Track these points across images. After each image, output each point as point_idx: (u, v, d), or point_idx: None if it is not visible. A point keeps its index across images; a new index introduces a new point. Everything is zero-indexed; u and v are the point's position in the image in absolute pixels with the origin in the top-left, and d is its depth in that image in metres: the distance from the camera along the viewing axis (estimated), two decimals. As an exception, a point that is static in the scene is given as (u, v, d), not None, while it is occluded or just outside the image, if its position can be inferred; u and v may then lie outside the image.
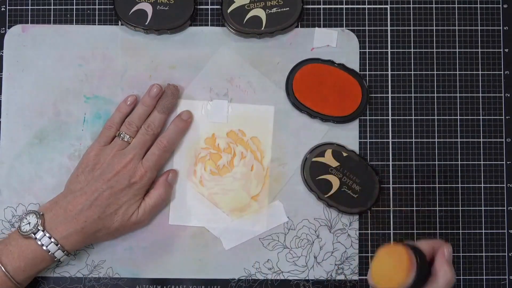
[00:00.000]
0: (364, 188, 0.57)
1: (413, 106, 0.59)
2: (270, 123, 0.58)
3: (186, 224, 0.58)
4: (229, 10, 0.58)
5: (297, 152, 0.58)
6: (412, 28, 0.60)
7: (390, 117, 0.59)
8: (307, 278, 0.58)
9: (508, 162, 0.59)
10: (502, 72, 0.60)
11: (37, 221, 0.51)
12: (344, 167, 0.57)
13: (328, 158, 0.57)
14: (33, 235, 0.51)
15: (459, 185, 0.59)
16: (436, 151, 0.59)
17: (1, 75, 0.59)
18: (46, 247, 0.51)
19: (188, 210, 0.58)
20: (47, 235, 0.51)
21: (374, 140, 0.59)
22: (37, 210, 0.53)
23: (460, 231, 0.59)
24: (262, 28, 0.58)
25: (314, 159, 0.57)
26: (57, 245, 0.51)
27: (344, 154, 0.57)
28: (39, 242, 0.51)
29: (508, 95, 0.60)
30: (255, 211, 0.58)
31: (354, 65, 0.59)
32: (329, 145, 0.57)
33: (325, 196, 0.57)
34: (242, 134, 0.58)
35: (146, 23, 0.58)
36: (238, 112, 0.58)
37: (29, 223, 0.51)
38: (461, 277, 0.58)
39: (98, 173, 0.53)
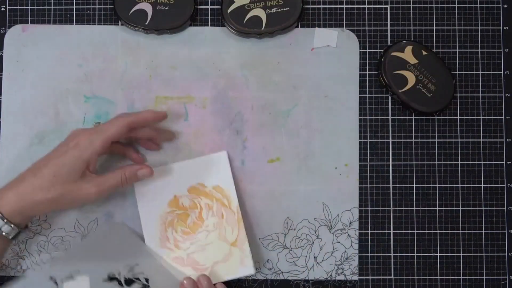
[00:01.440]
0: (439, 89, 0.57)
1: (413, 106, 0.59)
2: (227, 168, 0.57)
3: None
4: (229, 10, 0.58)
5: (296, 148, 0.58)
6: (412, 28, 0.60)
7: (390, 117, 0.59)
8: (307, 278, 0.58)
9: (508, 162, 0.59)
10: (502, 72, 0.60)
11: None
12: (422, 65, 0.57)
13: (408, 55, 0.57)
14: None
15: (459, 185, 0.59)
16: (436, 151, 0.59)
17: (1, 75, 0.59)
18: None
19: (173, 277, 0.55)
20: None
21: (374, 140, 0.59)
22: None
23: (460, 231, 0.59)
24: (262, 28, 0.58)
25: (393, 53, 0.57)
26: None
27: (424, 53, 0.57)
28: None
29: (508, 95, 0.60)
30: (239, 259, 0.56)
31: (354, 65, 0.59)
32: (410, 42, 0.58)
33: (400, 91, 0.57)
34: (203, 186, 0.57)
35: (146, 23, 0.58)
36: (192, 166, 0.57)
37: None
38: (461, 277, 0.58)
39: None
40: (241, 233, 0.56)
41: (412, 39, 0.59)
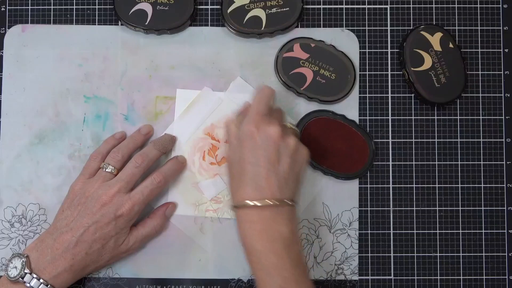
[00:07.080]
0: (448, 84, 0.58)
1: (413, 106, 0.59)
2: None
3: (182, 213, 0.58)
4: (229, 10, 0.58)
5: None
6: (412, 28, 0.60)
7: (390, 117, 0.59)
8: (307, 278, 0.58)
9: (508, 162, 0.59)
10: (502, 72, 0.60)
11: (23, 264, 0.49)
12: (443, 55, 0.58)
13: (435, 40, 0.58)
14: (21, 279, 0.49)
15: (459, 185, 0.59)
16: (436, 151, 0.59)
17: (1, 75, 0.59)
18: None
19: (186, 200, 0.58)
20: (35, 276, 0.49)
21: (374, 140, 0.59)
22: (22, 252, 0.51)
23: (460, 231, 0.59)
24: (262, 28, 0.58)
25: (422, 32, 0.58)
26: (47, 285, 0.49)
27: (450, 46, 0.58)
28: (28, 285, 0.49)
29: (508, 95, 0.60)
30: None
31: (354, 65, 0.59)
32: (442, 30, 0.58)
33: (412, 69, 0.57)
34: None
35: (146, 23, 0.58)
36: (236, 101, 0.58)
37: (15, 267, 0.49)
38: (461, 277, 0.58)
39: (83, 208, 0.52)
40: None
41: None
